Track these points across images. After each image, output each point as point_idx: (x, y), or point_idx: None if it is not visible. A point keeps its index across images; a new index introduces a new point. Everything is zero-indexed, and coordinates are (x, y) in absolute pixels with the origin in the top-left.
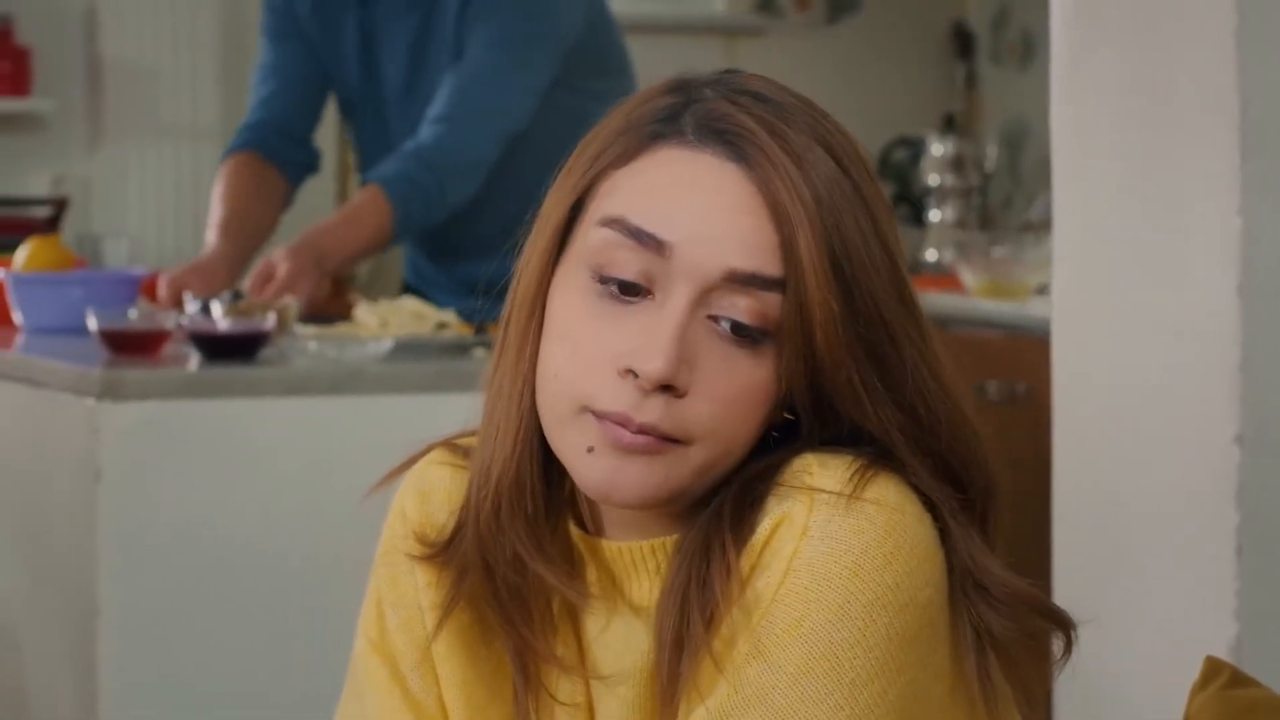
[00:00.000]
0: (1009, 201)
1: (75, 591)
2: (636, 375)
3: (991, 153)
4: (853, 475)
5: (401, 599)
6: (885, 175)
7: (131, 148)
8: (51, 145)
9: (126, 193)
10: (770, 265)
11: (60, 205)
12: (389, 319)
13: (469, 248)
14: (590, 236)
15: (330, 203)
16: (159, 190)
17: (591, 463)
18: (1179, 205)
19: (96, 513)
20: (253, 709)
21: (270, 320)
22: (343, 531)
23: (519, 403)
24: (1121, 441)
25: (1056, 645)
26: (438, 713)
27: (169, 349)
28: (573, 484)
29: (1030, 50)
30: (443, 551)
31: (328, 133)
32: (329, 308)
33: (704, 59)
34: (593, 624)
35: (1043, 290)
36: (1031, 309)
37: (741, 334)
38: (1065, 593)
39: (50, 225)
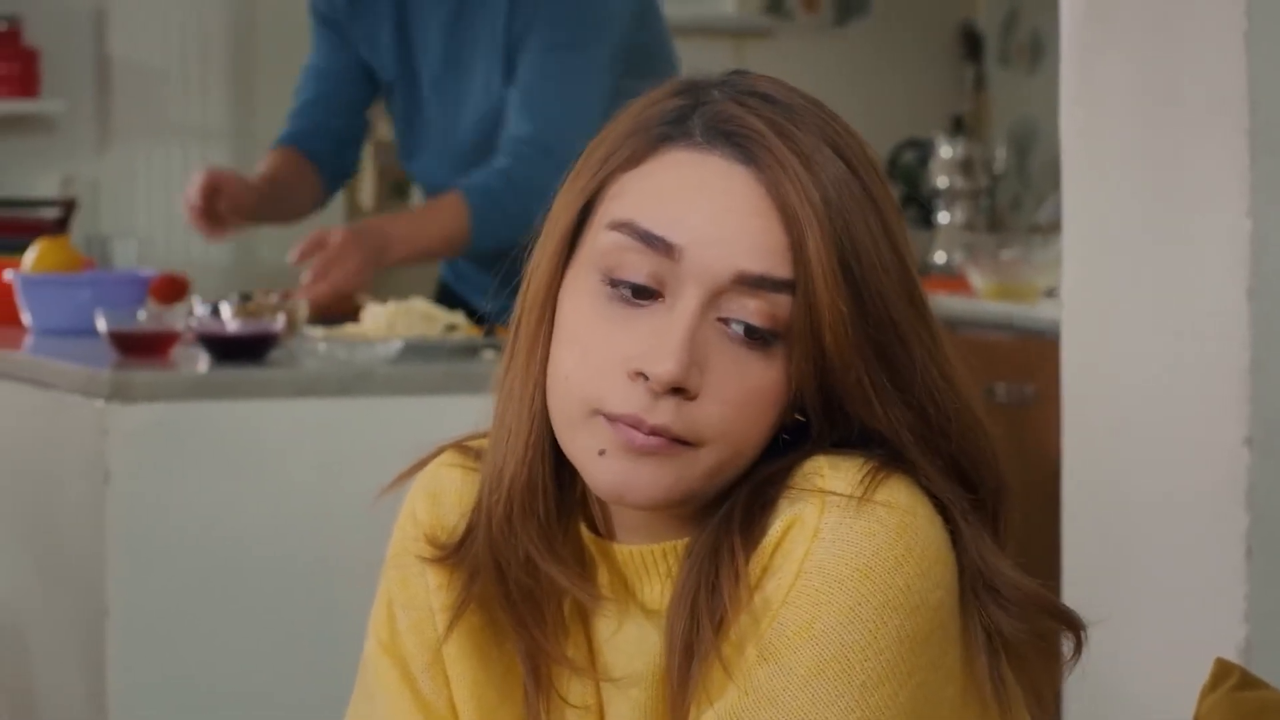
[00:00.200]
0: (1017, 203)
1: (84, 592)
2: (647, 378)
3: (1000, 155)
4: (864, 477)
5: (412, 601)
6: (894, 177)
7: (140, 149)
8: (60, 146)
9: (135, 194)
10: (780, 267)
11: (69, 206)
12: (398, 320)
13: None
14: (599, 240)
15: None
16: (168, 191)
17: (603, 465)
18: (1188, 207)
19: (105, 514)
20: (261, 710)
21: (279, 322)
22: (352, 533)
23: (530, 405)
24: (1131, 443)
25: (1066, 646)
26: (448, 715)
27: (178, 350)
28: (584, 486)
29: (1039, 52)
30: (454, 553)
31: None
32: (338, 309)
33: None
34: (604, 627)
35: (1051, 292)
36: (1040, 311)
37: (751, 336)
38: (1074, 594)
39: (59, 226)
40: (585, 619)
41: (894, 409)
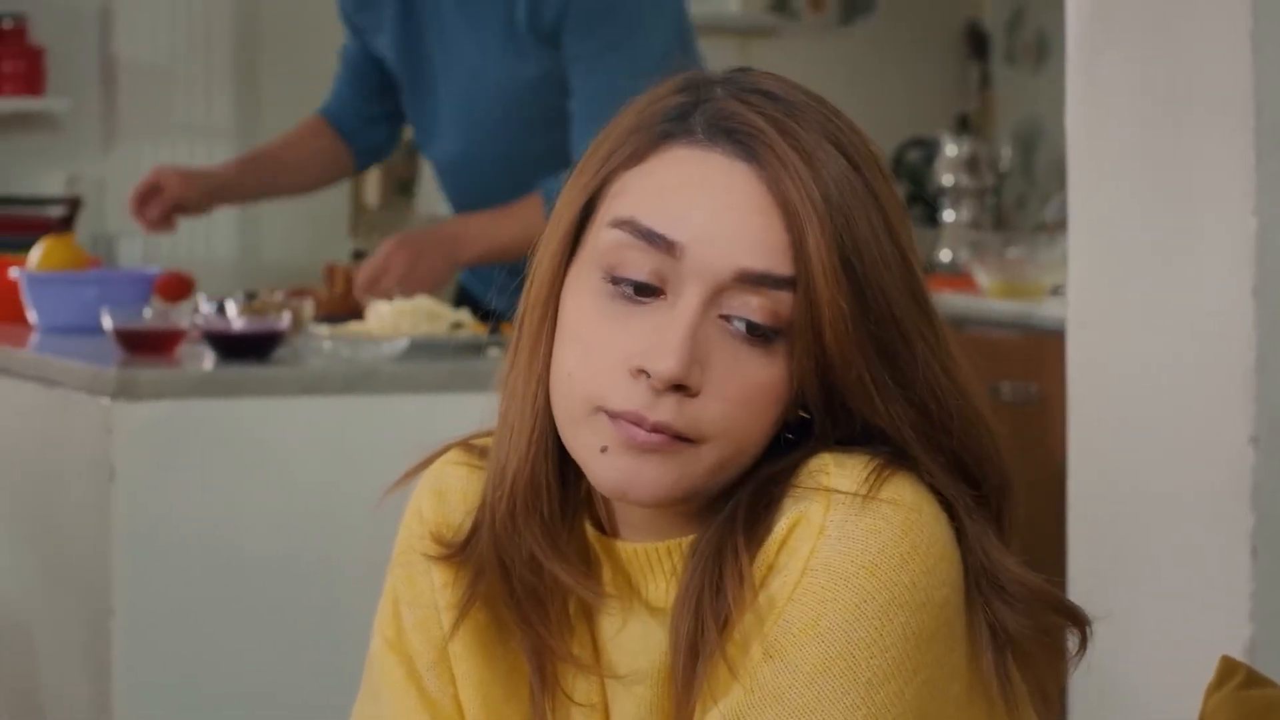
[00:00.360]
0: (1023, 202)
1: (89, 591)
2: (649, 375)
3: (1005, 153)
4: (869, 475)
5: (418, 599)
6: (899, 176)
7: (145, 147)
8: (66, 145)
9: None
10: (781, 264)
11: (74, 205)
12: (403, 318)
13: None
14: (601, 237)
15: (345, 198)
16: None
17: (606, 462)
18: (1194, 206)
19: (111, 512)
20: (266, 708)
21: (285, 320)
22: (357, 531)
23: (533, 403)
24: (1136, 442)
25: (1071, 642)
26: (454, 712)
27: (183, 348)
28: (589, 484)
29: (1044, 51)
30: (459, 551)
31: None
32: (343, 307)
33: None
34: (609, 625)
35: (1057, 291)
36: (1045, 309)
37: (753, 333)
38: (1080, 592)
39: (64, 225)
40: (590, 617)
41: (895, 406)
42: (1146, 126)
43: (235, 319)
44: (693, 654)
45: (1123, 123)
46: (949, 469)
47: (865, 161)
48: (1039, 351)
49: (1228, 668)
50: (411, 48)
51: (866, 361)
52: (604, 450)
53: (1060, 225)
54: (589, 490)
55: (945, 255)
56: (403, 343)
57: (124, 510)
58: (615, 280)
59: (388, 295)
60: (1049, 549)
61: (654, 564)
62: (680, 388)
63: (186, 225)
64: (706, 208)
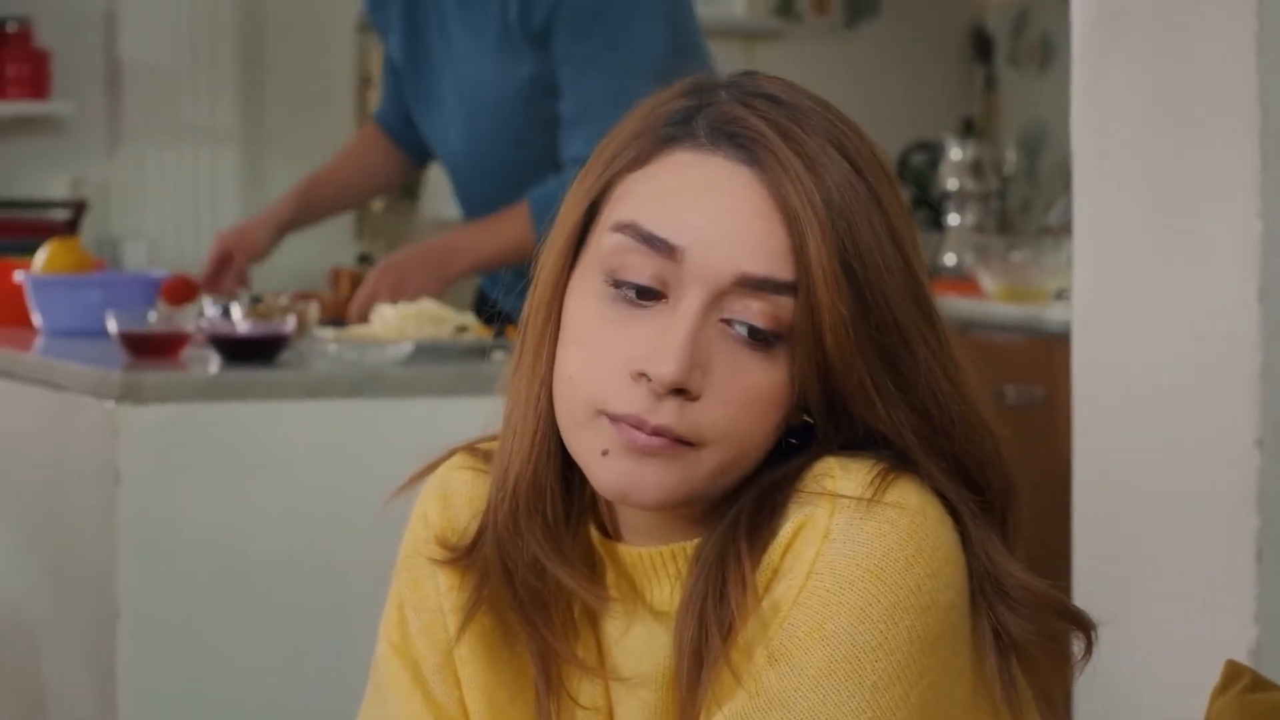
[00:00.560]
0: (1027, 205)
1: (95, 594)
2: (649, 379)
3: (1010, 157)
4: (874, 478)
5: (424, 603)
6: (903, 179)
7: (150, 150)
8: (70, 148)
9: (145, 195)
10: (782, 269)
11: (79, 208)
12: (408, 322)
13: None
14: (604, 241)
15: None
16: (178, 192)
17: (607, 465)
18: (1199, 210)
19: (116, 515)
20: (272, 712)
21: (290, 323)
22: (362, 534)
23: (536, 406)
24: (1141, 445)
25: (1077, 646)
26: (460, 716)
27: (188, 352)
28: (593, 488)
29: (1049, 54)
30: (465, 555)
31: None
32: (348, 310)
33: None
34: (613, 628)
35: (1061, 294)
36: (1050, 313)
37: (754, 337)
38: (1085, 596)
39: (69, 228)
40: (594, 620)
41: (897, 411)
42: (1152, 130)
43: (240, 322)
44: (696, 660)
45: (1128, 126)
46: (952, 474)
47: (869, 166)
48: (1043, 355)
49: (1233, 671)
50: (416, 48)
51: (868, 366)
52: (605, 453)
53: (1065, 229)
54: (593, 494)
55: (950, 259)
56: (408, 346)
57: (129, 513)
58: (617, 284)
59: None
60: (1054, 552)
61: (658, 568)
62: (681, 391)
63: (191, 229)
64: (708, 212)
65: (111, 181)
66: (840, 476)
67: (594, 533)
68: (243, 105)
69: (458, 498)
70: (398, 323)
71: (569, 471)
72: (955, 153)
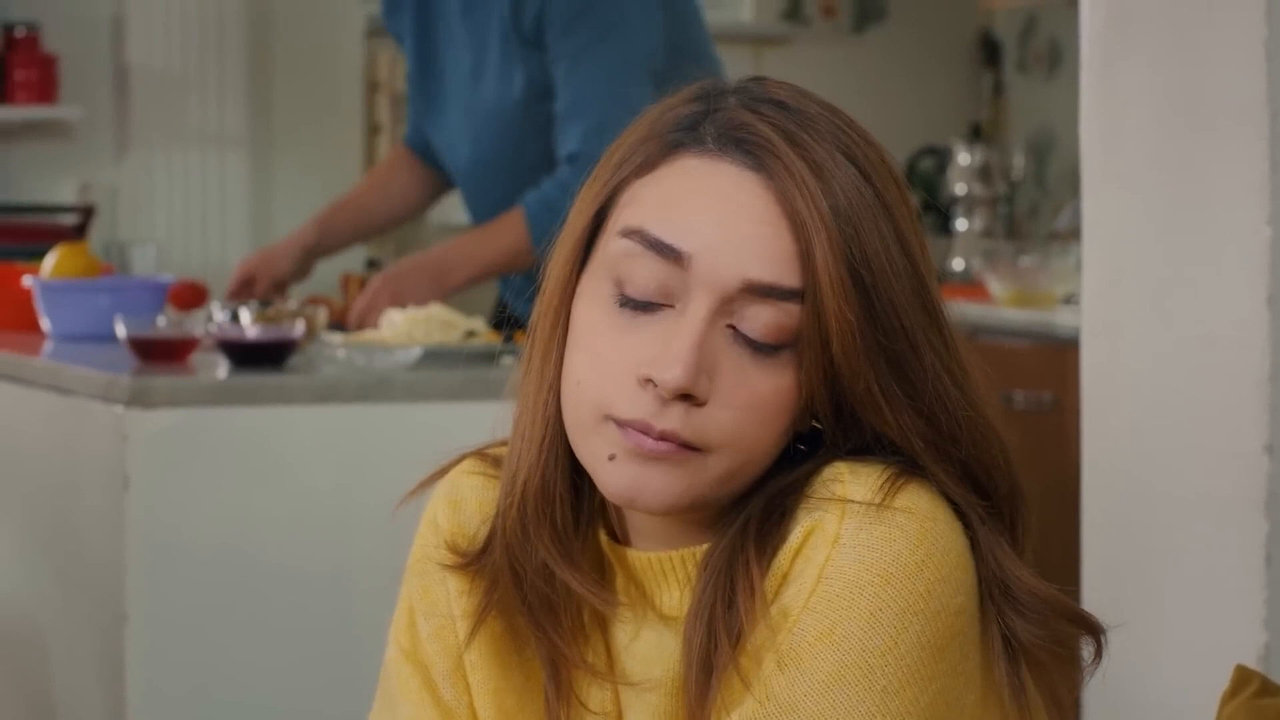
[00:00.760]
0: (1035, 210)
1: (103, 598)
2: (656, 384)
3: (1018, 162)
4: (884, 483)
5: (433, 608)
6: (911, 184)
7: (158, 155)
8: (78, 152)
9: (154, 200)
10: (789, 276)
11: (87, 212)
12: (416, 327)
13: None
14: (611, 246)
15: None
16: (186, 197)
17: (614, 470)
18: (1208, 215)
19: (125, 520)
20: (281, 717)
21: (299, 328)
22: (371, 539)
23: (544, 411)
24: (1150, 450)
25: (1086, 651)
26: None
27: (197, 356)
28: (602, 493)
29: (1057, 59)
30: (475, 560)
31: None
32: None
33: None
34: (622, 633)
35: (1069, 300)
36: (1058, 318)
37: (761, 343)
38: (1094, 601)
39: (77, 232)
40: (604, 625)
41: (904, 416)
42: (1160, 135)
43: (249, 327)
44: (705, 667)
45: (1137, 131)
46: (960, 479)
47: (877, 172)
48: (1052, 360)
49: (1242, 676)
50: (426, 56)
51: (875, 372)
52: (612, 458)
53: (1072, 234)
54: (602, 499)
55: (958, 264)
56: (416, 351)
57: (138, 517)
58: (623, 289)
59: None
60: (1063, 557)
61: (667, 573)
62: (688, 397)
63: (200, 234)
64: (715, 218)
65: (120, 186)
66: (850, 481)
67: (603, 537)
68: (251, 110)
69: (468, 503)
70: (406, 327)
71: (578, 476)
72: (963, 158)
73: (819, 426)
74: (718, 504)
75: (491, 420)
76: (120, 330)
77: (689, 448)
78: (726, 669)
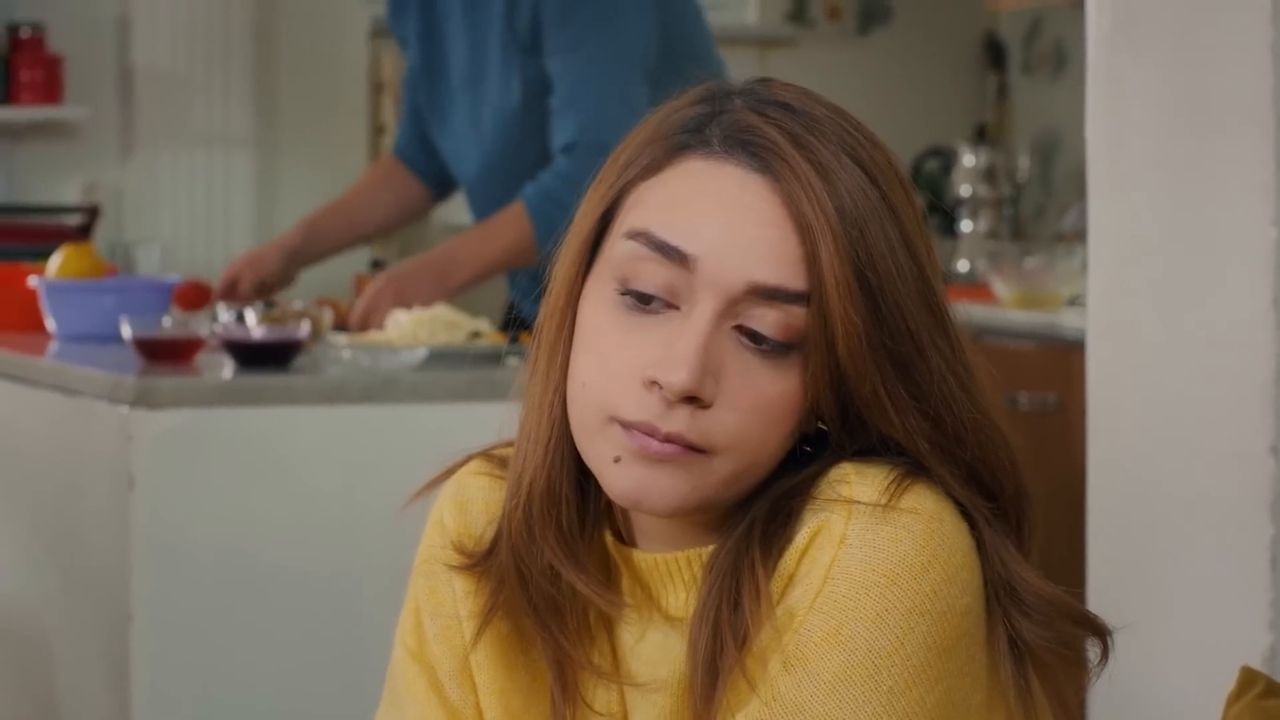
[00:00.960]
0: (1041, 212)
1: (108, 598)
2: (661, 386)
3: (1023, 163)
4: (890, 484)
5: (440, 608)
6: (917, 186)
7: (163, 155)
8: (83, 153)
9: (159, 200)
10: (794, 278)
11: (92, 213)
12: (422, 328)
13: None
14: (617, 248)
15: None
16: (191, 198)
17: (619, 472)
18: (1214, 216)
19: (130, 520)
20: (286, 717)
21: (304, 328)
22: (376, 540)
23: (550, 412)
24: (1156, 452)
25: (1092, 652)
26: None
27: (202, 357)
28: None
29: (1062, 61)
30: (481, 561)
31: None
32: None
33: (737, 69)
34: (628, 634)
35: (1074, 301)
36: (1063, 320)
37: (766, 346)
38: (1099, 603)
39: (82, 233)
40: (610, 626)
41: (910, 418)
42: (1166, 136)
43: (254, 328)
44: (711, 669)
45: (1142, 133)
46: (965, 480)
47: (883, 174)
48: (1057, 362)
49: (1248, 678)
50: (431, 62)
51: (881, 374)
52: (617, 460)
53: (1077, 235)
54: (608, 500)
55: (963, 265)
56: (422, 352)
57: (143, 518)
58: (629, 291)
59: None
60: (1068, 559)
61: (672, 574)
62: (693, 399)
63: (205, 234)
64: (720, 220)
65: (125, 187)
66: (856, 482)
67: (609, 539)
68: (256, 111)
69: (474, 503)
70: (411, 328)
71: (584, 478)
72: (968, 159)
73: (825, 428)
74: (724, 505)
75: (497, 421)
76: (125, 331)
77: (694, 450)
78: (732, 671)
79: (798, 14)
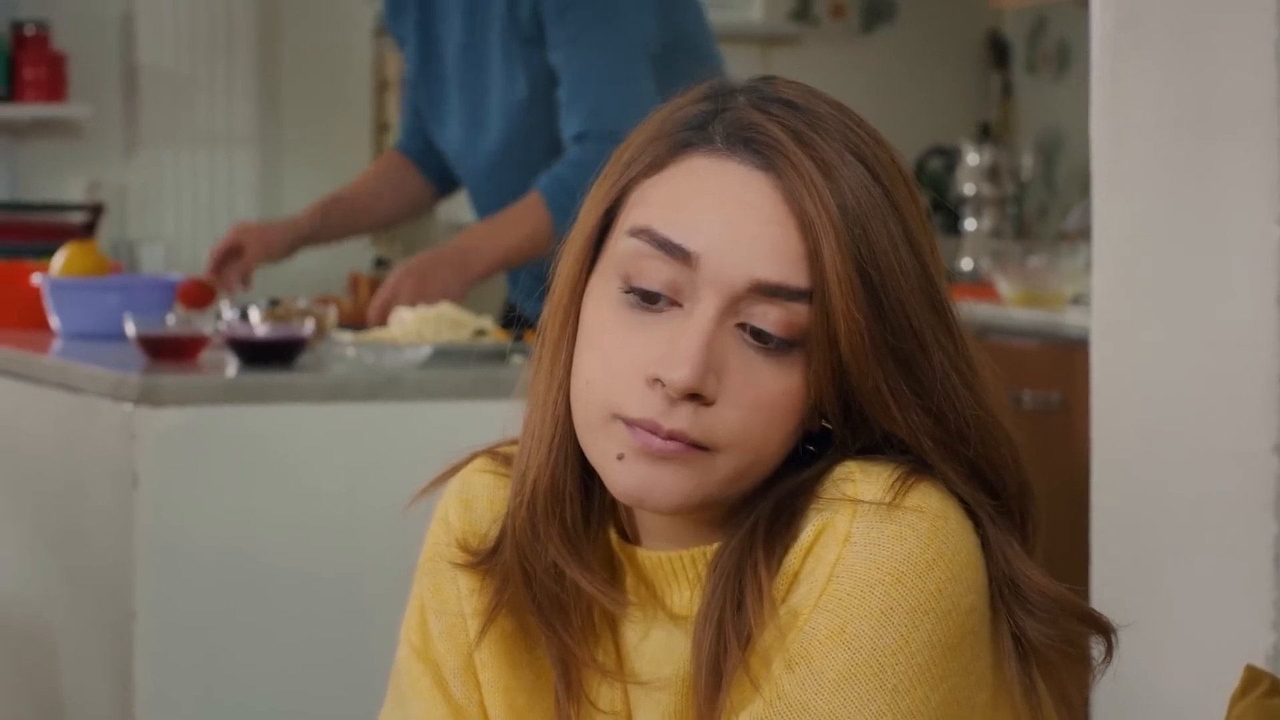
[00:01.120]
0: (1044, 211)
1: (112, 596)
2: (664, 384)
3: (1027, 162)
4: (894, 482)
5: (444, 606)
6: (920, 184)
7: (167, 153)
8: (88, 151)
9: (163, 198)
10: (797, 276)
11: (96, 211)
12: (426, 326)
13: None
14: (620, 246)
15: None
16: (195, 196)
17: (622, 469)
18: (1218, 215)
19: (134, 518)
20: (289, 716)
21: (308, 326)
22: (380, 538)
23: (553, 410)
24: (1159, 451)
25: (1096, 650)
26: (480, 719)
27: (206, 355)
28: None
29: (1066, 60)
30: (485, 559)
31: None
32: (366, 315)
33: (740, 67)
34: (632, 633)
35: (1078, 300)
36: (1067, 318)
37: (769, 343)
38: (1103, 601)
39: (87, 231)
40: (614, 625)
41: (913, 415)
42: (1170, 135)
43: (258, 325)
44: (715, 671)
45: (1147, 132)
46: (969, 478)
47: (886, 171)
48: (1060, 360)
49: (1252, 676)
50: (429, 59)
51: (884, 371)
52: (620, 457)
53: (1081, 234)
54: (612, 498)
55: (966, 264)
56: (426, 350)
57: (147, 516)
58: (632, 289)
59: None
60: (1072, 557)
61: (677, 572)
62: (696, 396)
63: (208, 232)
64: (723, 217)
65: (129, 185)
66: (861, 481)
67: (613, 537)
68: (259, 109)
69: (479, 501)
70: (415, 326)
71: (588, 476)
72: (972, 158)
73: (828, 426)
74: (727, 503)
75: (501, 419)
76: (129, 328)
77: (697, 447)
78: (736, 671)
79: (802, 12)
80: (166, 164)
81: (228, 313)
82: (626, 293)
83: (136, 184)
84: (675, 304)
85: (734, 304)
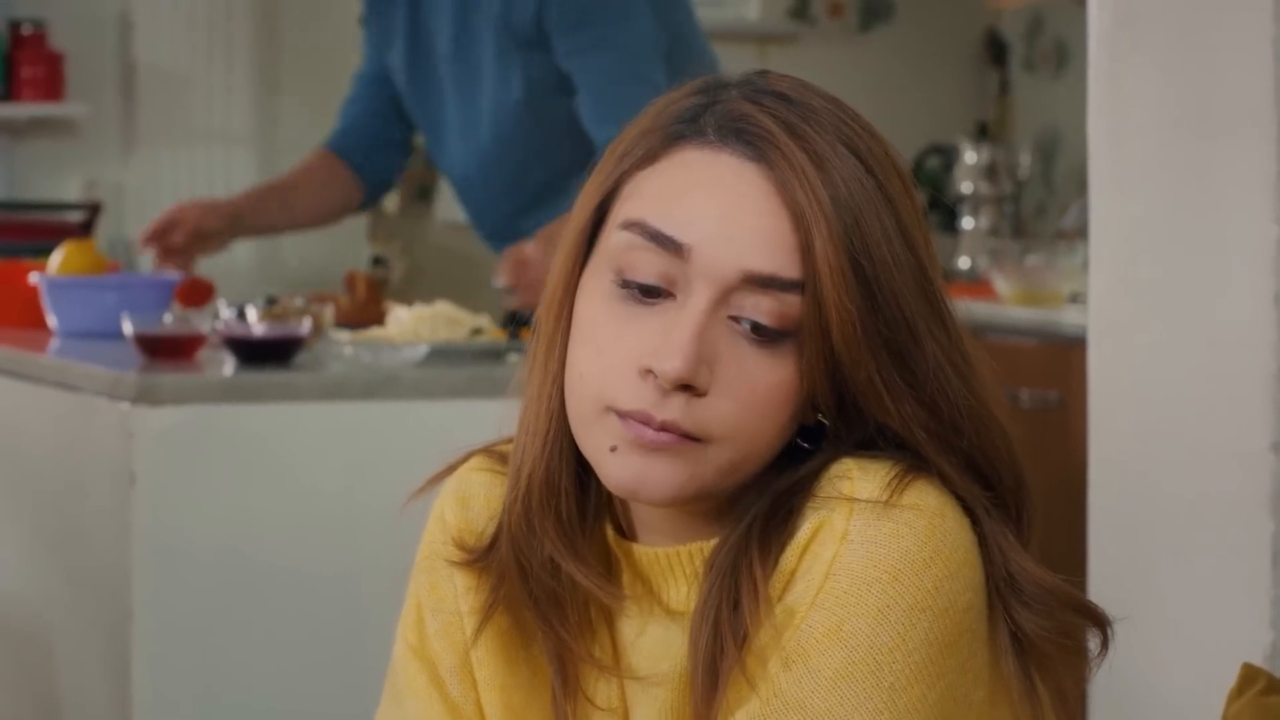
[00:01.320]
0: (1042, 209)
1: (109, 596)
2: (656, 375)
3: (1024, 160)
4: (891, 480)
5: (441, 604)
6: (918, 182)
7: (165, 152)
8: (85, 150)
9: (160, 197)
10: (789, 267)
11: (94, 210)
12: (423, 324)
13: None
14: (612, 239)
15: None
16: (192, 194)
17: (615, 461)
18: (1216, 214)
19: (131, 517)
20: (287, 715)
21: (305, 325)
22: (378, 536)
23: (548, 403)
24: (1157, 449)
25: (1092, 643)
26: (476, 717)
27: (204, 353)
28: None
29: (1063, 58)
30: (482, 557)
31: None
32: (364, 314)
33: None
34: (628, 628)
35: (1075, 298)
36: (1064, 317)
37: (761, 334)
38: (1100, 599)
39: (84, 230)
40: (610, 620)
41: (906, 406)
42: (1168, 134)
43: (256, 324)
44: (711, 670)
45: (1144, 130)
46: (963, 470)
47: (879, 164)
48: (1058, 359)
49: (1249, 674)
50: (420, 59)
51: (876, 362)
52: (613, 449)
53: (1078, 233)
54: (609, 493)
55: (964, 262)
56: (423, 348)
57: (144, 515)
58: (625, 282)
59: (531, 287)
60: (1069, 556)
61: (673, 567)
62: (688, 388)
63: None
64: (715, 209)
65: (126, 184)
66: (858, 478)
67: (609, 532)
68: (257, 108)
69: (475, 499)
70: (412, 325)
71: (584, 471)
72: (970, 156)
73: (823, 421)
74: (722, 495)
75: (498, 418)
76: (127, 327)
77: (690, 438)
78: (733, 669)
79: (799, 10)
80: (164, 163)
81: (225, 311)
82: (619, 286)
83: (134, 183)
84: (668, 296)
85: (726, 295)
